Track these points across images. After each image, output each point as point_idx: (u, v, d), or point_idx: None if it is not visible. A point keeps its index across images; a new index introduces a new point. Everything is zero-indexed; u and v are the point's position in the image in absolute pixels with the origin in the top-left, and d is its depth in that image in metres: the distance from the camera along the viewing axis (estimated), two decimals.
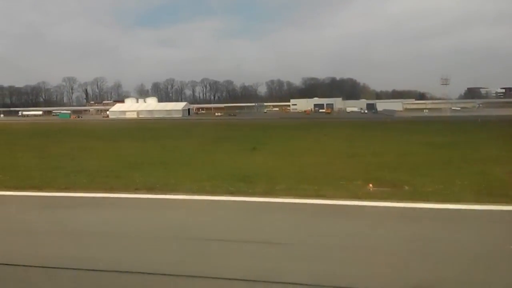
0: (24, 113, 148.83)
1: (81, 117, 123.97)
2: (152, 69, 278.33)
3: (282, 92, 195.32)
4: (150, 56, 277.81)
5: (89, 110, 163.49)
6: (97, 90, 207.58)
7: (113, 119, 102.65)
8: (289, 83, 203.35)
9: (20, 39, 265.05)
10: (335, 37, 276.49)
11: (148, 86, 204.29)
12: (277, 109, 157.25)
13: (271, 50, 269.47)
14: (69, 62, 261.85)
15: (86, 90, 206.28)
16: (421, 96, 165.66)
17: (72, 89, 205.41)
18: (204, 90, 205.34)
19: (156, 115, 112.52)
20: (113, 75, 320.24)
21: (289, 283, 4.15)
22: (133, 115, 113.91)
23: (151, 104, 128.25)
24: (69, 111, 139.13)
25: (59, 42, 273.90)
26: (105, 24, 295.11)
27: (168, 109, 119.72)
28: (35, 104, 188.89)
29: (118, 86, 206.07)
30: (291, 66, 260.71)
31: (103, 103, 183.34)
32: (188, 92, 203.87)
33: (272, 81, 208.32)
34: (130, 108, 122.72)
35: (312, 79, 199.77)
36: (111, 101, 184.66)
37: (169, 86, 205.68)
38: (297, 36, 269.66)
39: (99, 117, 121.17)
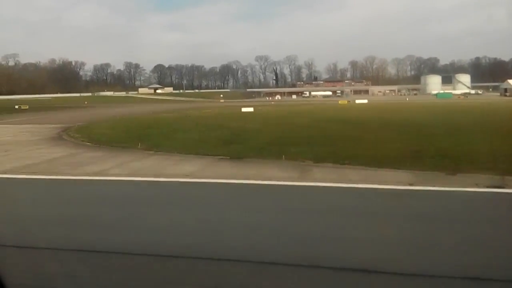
0: (313, 93, 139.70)
1: (467, 96, 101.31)
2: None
3: (491, 69, 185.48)
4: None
5: (350, 91, 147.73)
6: (287, 70, 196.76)
7: None
8: (501, 61, 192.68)
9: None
10: None
11: (343, 65, 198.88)
12: None
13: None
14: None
15: (276, 70, 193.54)
16: None
17: (264, 69, 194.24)
18: (409, 68, 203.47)
19: None
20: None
21: None
22: None
23: None
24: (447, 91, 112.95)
25: None
26: None
27: None
28: (223, 86, 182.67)
29: (309, 65, 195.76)
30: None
31: (313, 84, 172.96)
32: (392, 71, 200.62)
33: (477, 58, 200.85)
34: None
35: None
36: (321, 81, 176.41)
37: (368, 64, 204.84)
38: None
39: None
